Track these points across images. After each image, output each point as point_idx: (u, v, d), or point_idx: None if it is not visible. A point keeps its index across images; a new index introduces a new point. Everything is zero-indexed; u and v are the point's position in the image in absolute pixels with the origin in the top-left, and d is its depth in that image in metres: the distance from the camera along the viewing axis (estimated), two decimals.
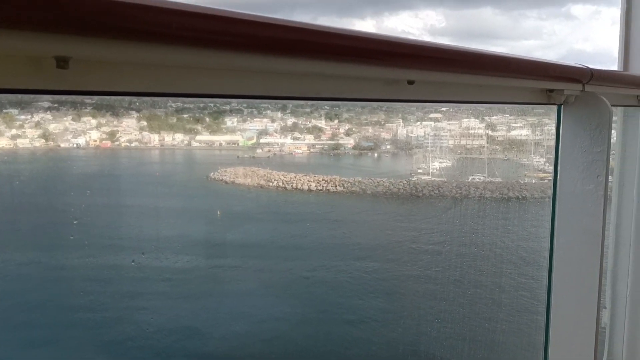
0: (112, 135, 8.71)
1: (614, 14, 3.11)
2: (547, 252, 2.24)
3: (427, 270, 7.47)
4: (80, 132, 8.31)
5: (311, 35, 1.11)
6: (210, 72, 1.05)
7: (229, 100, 8.58)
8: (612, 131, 3.11)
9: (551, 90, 2.02)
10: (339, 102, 9.59)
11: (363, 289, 7.56)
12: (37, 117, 7.77)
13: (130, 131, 8.82)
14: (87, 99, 8.13)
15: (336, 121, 9.40)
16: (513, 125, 8.71)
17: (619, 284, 2.95)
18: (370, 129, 9.60)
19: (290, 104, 9.05)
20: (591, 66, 2.14)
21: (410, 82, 1.48)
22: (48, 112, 7.95)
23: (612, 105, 2.18)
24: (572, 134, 2.11)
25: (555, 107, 2.17)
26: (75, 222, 6.09)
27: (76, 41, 0.75)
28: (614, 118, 3.10)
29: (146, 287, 6.55)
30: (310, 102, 9.24)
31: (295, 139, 9.17)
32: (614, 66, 3.01)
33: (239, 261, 7.66)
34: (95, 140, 8.47)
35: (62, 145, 7.91)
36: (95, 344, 5.94)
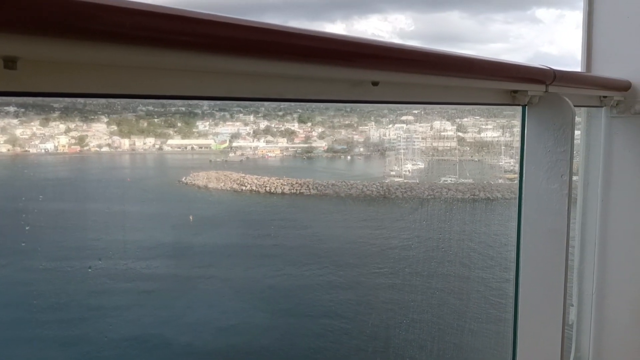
0: (81, 140, 8.57)
1: (578, 17, 3.17)
2: (514, 250, 2.27)
3: (396, 269, 7.51)
4: (49, 138, 8.16)
5: (273, 35, 1.10)
6: (168, 73, 1.03)
7: (200, 103, 8.51)
8: (577, 131, 3.18)
9: (515, 91, 2.04)
10: (312, 106, 9.60)
11: (333, 289, 7.57)
12: (2, 123, 7.60)
13: (100, 136, 8.69)
14: (55, 104, 7.99)
15: (309, 124, 9.40)
16: (483, 127, 8.82)
17: (585, 282, 3.01)
18: (343, 132, 9.63)
19: (263, 107, 9.02)
20: (554, 67, 2.17)
21: (375, 83, 1.48)
22: (14, 117, 7.77)
23: (575, 106, 2.22)
24: (537, 134, 2.15)
25: (520, 108, 2.20)
26: (27, 228, 5.92)
27: (24, 41, 0.73)
28: (578, 119, 3.17)
29: (109, 293, 6.43)
30: (283, 106, 9.22)
31: (268, 142, 9.15)
32: (579, 68, 3.07)
33: (207, 266, 7.60)
34: (64, 146, 8.32)
35: (31, 150, 7.75)
36: (50, 354, 5.79)
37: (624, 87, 2.74)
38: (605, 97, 2.72)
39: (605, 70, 2.86)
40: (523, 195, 2.21)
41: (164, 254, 7.41)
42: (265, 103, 9.12)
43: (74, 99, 7.39)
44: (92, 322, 6.14)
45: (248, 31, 1.06)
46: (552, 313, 2.19)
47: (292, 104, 9.17)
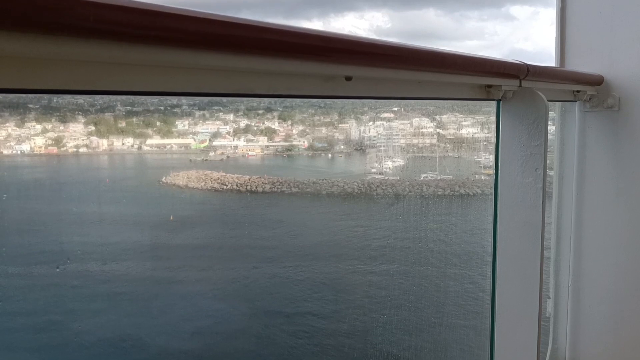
0: (58, 141, 8.44)
1: (552, 14, 3.21)
2: (491, 244, 2.29)
3: (375, 265, 7.55)
4: (25, 139, 8.02)
5: (242, 30, 1.10)
6: (135, 68, 1.01)
7: (180, 102, 8.44)
8: (552, 126, 3.22)
9: (490, 86, 2.06)
10: (293, 104, 9.58)
11: (310, 285, 7.58)
12: None
13: (77, 136, 8.57)
14: (31, 104, 7.86)
15: (289, 122, 9.38)
16: (463, 123, 8.88)
17: (561, 274, 3.05)
18: (323, 130, 9.63)
19: (243, 105, 8.98)
20: (527, 62, 2.20)
21: (348, 78, 1.48)
22: None
23: (550, 101, 2.25)
24: (511, 128, 2.17)
25: (494, 103, 2.22)
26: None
27: None
28: (553, 113, 3.20)
29: (82, 295, 6.35)
30: (263, 104, 9.19)
31: (248, 141, 9.11)
32: (553, 64, 3.11)
33: (183, 266, 7.55)
34: (40, 147, 8.18)
35: (5, 152, 7.62)
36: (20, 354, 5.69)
37: (596, 81, 2.78)
38: (578, 91, 2.75)
39: (578, 65, 2.90)
40: (499, 189, 2.23)
41: (141, 254, 7.34)
42: (245, 101, 9.09)
43: (49, 98, 7.28)
44: (65, 325, 6.06)
45: (216, 25, 1.05)
46: (528, 305, 2.21)
47: (272, 102, 9.12)
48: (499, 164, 2.20)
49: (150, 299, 6.87)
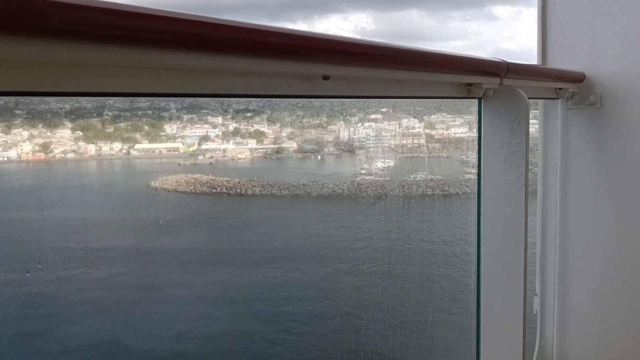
0: (45, 147, 8.38)
1: (535, 13, 3.23)
2: (475, 242, 2.30)
3: (358, 265, 7.56)
4: (11, 145, 7.96)
5: (213, 29, 1.09)
6: (105, 69, 1.00)
7: (168, 107, 8.41)
8: (536, 125, 3.23)
9: (470, 84, 2.07)
10: (281, 106, 9.57)
11: (295, 288, 7.59)
12: None
13: (65, 142, 8.51)
14: (17, 110, 7.80)
15: (278, 125, 9.37)
16: (451, 123, 8.91)
17: (547, 272, 3.06)
18: (312, 132, 9.63)
19: (231, 108, 8.96)
20: (509, 60, 2.21)
21: (326, 78, 1.48)
22: None
23: (532, 98, 2.26)
24: (493, 126, 2.18)
25: (476, 101, 2.23)
26: None
27: None
28: (536, 111, 3.22)
29: (66, 301, 6.28)
30: (251, 107, 9.18)
31: (237, 144, 9.09)
32: (536, 62, 3.12)
33: (168, 272, 7.51)
34: (27, 153, 8.12)
35: None
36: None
37: (578, 79, 2.80)
38: (560, 89, 2.77)
39: (560, 63, 2.92)
40: (482, 187, 2.24)
41: (126, 259, 7.30)
42: (234, 104, 9.08)
43: (36, 104, 7.23)
44: (49, 332, 6.01)
45: (186, 25, 1.05)
46: (513, 302, 2.22)
47: (261, 105, 9.11)
48: (482, 163, 2.21)
49: (134, 304, 6.83)
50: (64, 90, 0.97)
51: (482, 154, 2.19)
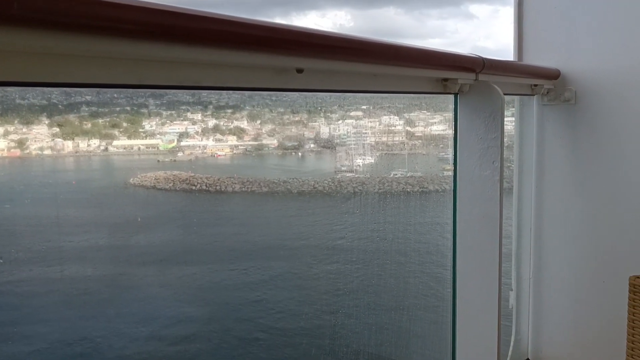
0: (21, 144, 8.24)
1: (511, 12, 3.26)
2: (451, 237, 2.31)
3: (339, 264, 7.58)
4: None
5: (184, 19, 1.07)
6: (68, 58, 0.98)
7: (146, 102, 8.32)
8: (513, 122, 3.26)
9: (446, 80, 2.07)
10: (262, 103, 9.53)
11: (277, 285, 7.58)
12: None
13: (41, 138, 8.38)
14: None
15: (259, 121, 9.33)
16: (431, 120, 8.95)
17: (522, 267, 3.10)
18: (293, 129, 9.60)
19: (211, 105, 8.90)
20: (484, 56, 2.22)
21: (299, 71, 1.47)
22: None
23: (507, 94, 2.28)
24: (468, 122, 2.19)
25: (452, 97, 2.24)
26: None
27: None
28: (513, 108, 3.25)
29: (36, 298, 6.19)
30: (231, 103, 9.12)
31: (217, 140, 9.03)
32: (512, 59, 3.15)
33: (143, 268, 7.45)
34: (2, 150, 7.98)
35: None
36: None
37: (553, 75, 2.83)
38: (536, 85, 2.80)
39: (536, 59, 2.95)
40: (457, 183, 2.25)
41: (100, 256, 7.22)
42: (213, 101, 9.01)
43: (12, 99, 7.09)
44: (17, 331, 5.92)
45: (153, 14, 1.02)
46: (488, 297, 2.24)
47: (240, 101, 9.06)
48: (457, 158, 2.23)
49: (106, 301, 6.76)
50: (26, 80, 0.94)
51: (458, 149, 2.20)
